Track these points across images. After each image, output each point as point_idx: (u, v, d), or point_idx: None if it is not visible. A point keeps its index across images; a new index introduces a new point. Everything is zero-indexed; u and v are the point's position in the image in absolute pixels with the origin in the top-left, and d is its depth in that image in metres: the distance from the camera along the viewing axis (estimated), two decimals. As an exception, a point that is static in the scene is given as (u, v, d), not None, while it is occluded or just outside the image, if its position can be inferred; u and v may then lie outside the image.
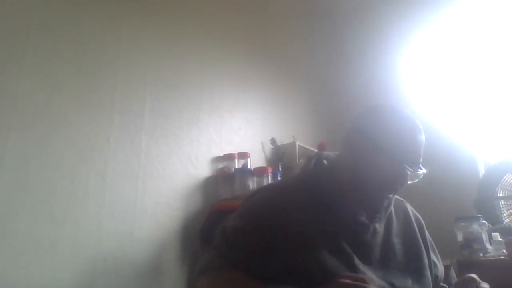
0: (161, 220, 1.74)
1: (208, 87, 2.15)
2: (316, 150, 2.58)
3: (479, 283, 0.80)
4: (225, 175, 2.04)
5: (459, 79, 2.83)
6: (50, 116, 1.43)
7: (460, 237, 1.94)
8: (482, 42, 2.79)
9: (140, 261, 1.62)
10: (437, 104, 2.83)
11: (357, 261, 0.86)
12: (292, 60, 2.99)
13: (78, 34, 1.58)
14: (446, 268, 1.09)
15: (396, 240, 0.96)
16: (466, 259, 1.84)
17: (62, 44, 1.52)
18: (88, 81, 1.58)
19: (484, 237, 1.88)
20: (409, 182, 0.89)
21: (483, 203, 2.21)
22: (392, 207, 0.99)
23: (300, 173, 0.99)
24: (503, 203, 2.19)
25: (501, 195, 2.21)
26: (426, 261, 0.97)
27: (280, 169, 2.32)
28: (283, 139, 2.55)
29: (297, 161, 2.45)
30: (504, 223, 2.11)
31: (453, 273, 1.15)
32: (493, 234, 1.90)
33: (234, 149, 2.16)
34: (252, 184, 2.02)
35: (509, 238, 1.83)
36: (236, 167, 2.08)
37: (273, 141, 2.43)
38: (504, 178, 2.22)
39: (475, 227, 1.90)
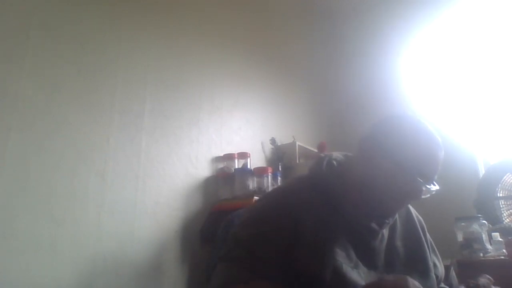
0: (161, 220, 1.74)
1: (208, 87, 2.15)
2: (316, 150, 2.59)
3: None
4: (225, 175, 2.04)
5: (459, 79, 2.83)
6: (50, 116, 1.43)
7: (460, 237, 1.94)
8: (482, 42, 2.79)
9: (140, 261, 1.62)
10: (437, 104, 2.83)
11: (361, 267, 0.86)
12: (292, 60, 2.99)
13: (78, 34, 1.58)
14: (446, 268, 1.08)
15: (400, 243, 0.96)
16: (466, 259, 1.84)
17: (62, 44, 1.52)
18: (88, 81, 1.58)
19: (484, 237, 1.88)
20: (422, 197, 0.87)
21: (483, 203, 2.21)
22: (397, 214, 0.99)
23: (311, 175, 0.96)
24: (503, 203, 2.19)
25: (501, 195, 2.21)
26: (430, 262, 0.97)
27: (280, 169, 2.32)
28: (283, 139, 2.55)
29: (297, 161, 2.45)
30: (504, 223, 2.11)
31: (453, 273, 1.15)
32: (493, 234, 1.90)
33: (234, 149, 2.16)
34: (252, 184, 2.02)
35: (509, 238, 1.83)
36: (236, 167, 2.08)
37: (273, 141, 2.43)
38: (504, 178, 2.22)
39: (475, 227, 1.91)
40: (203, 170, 2.01)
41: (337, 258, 0.82)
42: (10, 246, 1.25)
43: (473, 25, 2.82)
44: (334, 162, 0.97)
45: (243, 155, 2.13)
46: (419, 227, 1.02)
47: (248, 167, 2.10)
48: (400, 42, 3.12)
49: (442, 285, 1.03)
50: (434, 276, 0.95)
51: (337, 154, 1.01)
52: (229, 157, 2.11)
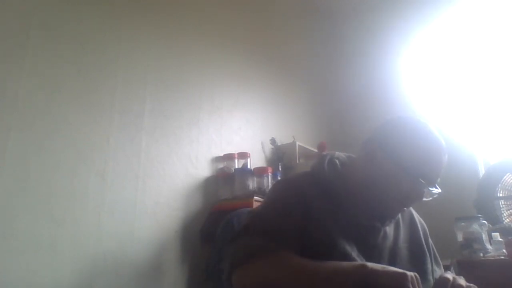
0: (161, 220, 1.74)
1: (208, 87, 2.15)
2: (316, 150, 2.59)
3: (454, 281, 0.78)
4: (225, 175, 2.04)
5: (459, 79, 2.83)
6: (50, 116, 1.43)
7: (460, 237, 1.94)
8: (482, 42, 2.79)
9: (140, 261, 1.62)
10: (437, 104, 2.83)
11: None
12: (292, 60, 2.99)
13: (78, 34, 1.58)
14: (446, 268, 1.09)
15: (403, 245, 0.96)
16: (466, 259, 1.84)
17: (62, 44, 1.52)
18: (88, 81, 1.58)
19: (484, 237, 1.88)
20: (424, 199, 0.88)
21: (483, 203, 2.21)
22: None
23: (313, 172, 0.97)
24: (503, 203, 2.19)
25: (501, 195, 2.20)
26: (429, 266, 0.97)
27: (280, 169, 2.32)
28: (283, 139, 2.55)
29: (297, 161, 2.45)
30: (504, 223, 2.11)
31: (453, 273, 1.14)
32: (493, 234, 1.90)
33: (234, 149, 2.16)
34: (252, 184, 2.02)
35: (509, 238, 1.83)
36: (236, 167, 2.08)
37: (273, 141, 2.43)
38: (504, 178, 2.21)
39: (475, 227, 1.90)
40: (203, 170, 2.01)
41: (341, 244, 0.84)
42: (10, 246, 1.25)
43: (473, 25, 2.82)
44: (337, 161, 0.98)
45: (243, 155, 2.13)
46: (421, 231, 1.03)
47: (248, 167, 2.10)
48: (400, 42, 3.12)
49: None
50: (431, 280, 0.95)
51: (339, 154, 1.02)
52: (229, 157, 2.11)
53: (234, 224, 1.37)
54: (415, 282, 0.68)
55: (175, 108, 1.93)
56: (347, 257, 0.83)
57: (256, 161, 2.25)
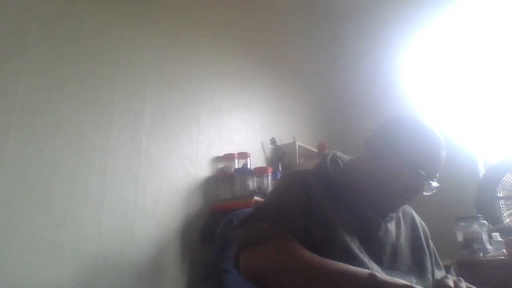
0: (161, 220, 1.74)
1: (208, 87, 2.15)
2: (316, 150, 2.59)
3: (455, 285, 0.79)
4: (225, 175, 2.04)
5: (459, 79, 2.83)
6: (50, 115, 1.43)
7: (460, 237, 1.94)
8: (482, 42, 2.79)
9: (140, 261, 1.62)
10: (437, 104, 2.83)
11: (364, 254, 0.87)
12: (292, 60, 2.99)
13: (78, 34, 1.58)
14: (446, 268, 1.09)
15: (404, 243, 0.98)
16: (466, 259, 1.84)
17: (62, 44, 1.52)
18: (88, 81, 1.58)
19: (484, 237, 1.88)
20: (424, 193, 0.91)
21: (483, 203, 2.21)
22: (400, 211, 1.02)
23: (316, 169, 1.00)
24: (503, 203, 2.19)
25: (501, 195, 2.20)
26: (429, 265, 0.98)
27: (280, 169, 2.32)
28: (283, 139, 2.55)
29: (297, 161, 2.45)
30: (504, 223, 2.11)
31: (453, 273, 1.15)
32: (493, 234, 1.90)
33: (234, 149, 2.16)
34: (252, 184, 2.02)
35: (509, 238, 1.83)
36: (236, 167, 2.08)
37: (273, 141, 2.43)
38: (504, 178, 2.21)
39: (475, 227, 1.90)
40: (203, 170, 2.01)
41: (343, 235, 0.85)
42: (10, 246, 1.25)
43: (473, 25, 2.82)
44: (339, 161, 1.01)
45: (243, 155, 2.13)
46: (421, 233, 1.05)
47: (248, 167, 2.10)
48: (400, 42, 3.12)
49: None
50: (431, 279, 0.96)
51: (341, 154, 1.05)
52: (229, 157, 2.11)
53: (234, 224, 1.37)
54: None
55: (175, 108, 1.93)
56: (347, 249, 0.83)
57: (256, 161, 2.25)
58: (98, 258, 1.48)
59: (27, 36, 1.41)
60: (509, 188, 2.19)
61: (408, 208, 1.09)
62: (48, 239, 1.34)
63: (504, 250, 1.81)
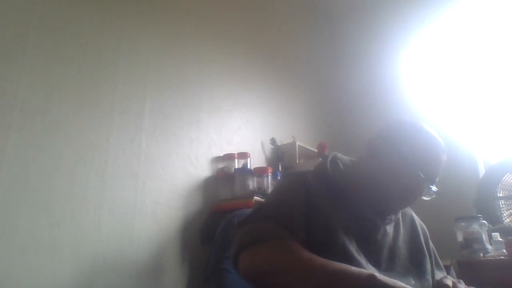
0: (161, 220, 1.74)
1: (208, 87, 2.15)
2: (316, 150, 2.59)
3: (454, 285, 0.78)
4: (225, 175, 2.04)
5: (459, 79, 2.83)
6: (50, 115, 1.43)
7: (460, 237, 1.94)
8: (483, 42, 2.79)
9: (140, 261, 1.62)
10: (437, 104, 2.83)
11: (362, 257, 0.87)
12: (292, 60, 2.99)
13: (78, 34, 1.58)
14: (446, 268, 1.09)
15: (402, 245, 0.98)
16: (466, 259, 1.84)
17: (62, 44, 1.52)
18: (88, 81, 1.58)
19: (484, 237, 1.88)
20: (424, 198, 0.91)
21: (483, 203, 2.21)
22: (399, 213, 1.02)
23: (316, 170, 1.01)
24: (503, 203, 2.19)
25: (501, 195, 2.20)
26: (428, 266, 0.98)
27: (280, 169, 2.32)
28: (283, 139, 2.55)
29: (297, 161, 2.45)
30: (504, 223, 2.11)
31: (453, 273, 1.15)
32: (493, 234, 1.90)
33: (234, 149, 2.16)
34: (252, 184, 2.02)
35: (509, 238, 1.83)
36: (236, 167, 2.08)
37: (273, 141, 2.43)
38: (504, 178, 2.21)
39: (475, 227, 1.90)
40: (203, 170, 2.01)
41: (341, 237, 0.85)
42: (10, 246, 1.25)
43: (473, 25, 2.82)
44: (339, 162, 1.01)
45: (243, 155, 2.13)
46: (421, 234, 1.05)
47: (248, 167, 2.10)
48: (400, 42, 3.12)
49: None
50: (430, 280, 0.96)
51: (342, 156, 1.05)
52: (229, 157, 2.11)
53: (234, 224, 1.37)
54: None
55: (175, 108, 1.93)
56: (346, 251, 0.83)
57: (256, 161, 2.25)
58: (98, 258, 1.48)
59: (27, 36, 1.41)
60: (509, 188, 2.19)
61: (407, 210, 1.09)
62: (48, 239, 1.34)
63: (504, 250, 1.81)
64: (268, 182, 2.05)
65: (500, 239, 1.86)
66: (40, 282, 1.30)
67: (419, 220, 1.10)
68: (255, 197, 1.88)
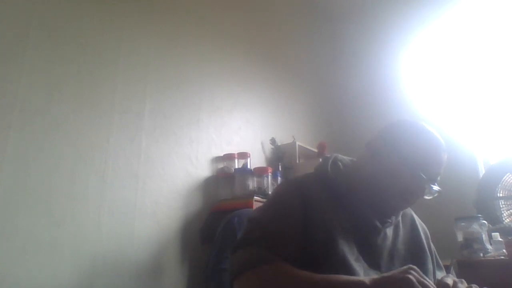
0: (161, 220, 1.74)
1: (208, 87, 2.15)
2: (316, 150, 2.59)
3: (455, 284, 0.78)
4: (225, 175, 2.04)
5: (459, 79, 2.83)
6: (50, 115, 1.43)
7: (460, 237, 1.94)
8: (483, 42, 2.79)
9: (140, 261, 1.62)
10: (437, 104, 2.83)
11: (362, 262, 0.87)
12: (292, 60, 2.99)
13: (78, 34, 1.58)
14: (446, 268, 1.09)
15: (402, 246, 0.98)
16: (466, 259, 1.84)
17: (62, 44, 1.52)
18: (88, 81, 1.58)
19: (484, 237, 1.88)
20: (425, 197, 0.91)
21: (483, 203, 2.21)
22: (400, 215, 1.01)
23: (316, 172, 1.00)
24: (503, 203, 2.19)
25: (501, 195, 2.20)
26: (430, 266, 0.98)
27: (280, 169, 2.32)
28: (283, 139, 2.55)
29: (297, 161, 2.45)
30: (504, 223, 2.10)
31: (453, 273, 1.15)
32: (493, 234, 1.90)
33: (234, 149, 2.16)
34: (252, 184, 2.02)
35: (509, 238, 1.83)
36: (236, 167, 2.08)
37: (273, 141, 2.43)
38: (504, 178, 2.21)
39: (475, 227, 1.90)
40: (203, 170, 2.01)
41: (341, 248, 0.84)
42: (10, 246, 1.25)
43: (473, 25, 2.82)
44: (340, 163, 1.00)
45: (243, 155, 2.13)
46: (422, 235, 1.05)
47: (248, 167, 2.10)
48: (400, 42, 3.12)
49: None
50: (432, 279, 0.95)
51: (342, 157, 1.05)
52: (229, 157, 2.11)
53: (234, 224, 1.37)
54: (415, 273, 0.69)
55: (175, 108, 1.93)
56: (345, 263, 0.83)
57: (256, 161, 2.25)
58: (98, 258, 1.48)
59: (27, 36, 1.41)
60: (509, 188, 2.19)
61: (407, 210, 1.08)
62: (48, 239, 1.34)
63: (504, 250, 1.81)
64: (268, 182, 2.06)
65: (500, 239, 1.86)
66: (40, 282, 1.30)
67: (419, 220, 1.10)
68: (255, 197, 1.88)
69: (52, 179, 1.39)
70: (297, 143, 2.51)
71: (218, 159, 2.10)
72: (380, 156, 0.93)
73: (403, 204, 0.94)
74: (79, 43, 1.58)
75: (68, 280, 1.37)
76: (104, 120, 1.60)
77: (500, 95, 2.71)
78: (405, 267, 0.71)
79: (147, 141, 1.76)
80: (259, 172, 2.07)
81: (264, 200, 1.78)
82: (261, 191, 1.99)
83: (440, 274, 1.01)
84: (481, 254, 1.84)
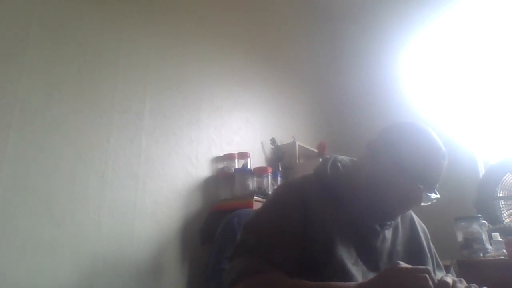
0: (161, 220, 1.74)
1: (208, 87, 2.15)
2: (316, 150, 2.59)
3: (454, 284, 0.78)
4: (225, 175, 2.04)
5: (459, 79, 2.83)
6: (50, 115, 1.43)
7: (460, 237, 1.94)
8: (483, 42, 2.79)
9: (140, 261, 1.62)
10: (437, 104, 2.83)
11: (360, 265, 0.87)
12: (292, 60, 2.99)
13: (78, 34, 1.58)
14: (446, 268, 1.09)
15: (401, 248, 0.97)
16: (466, 259, 1.84)
17: (62, 44, 1.52)
18: (88, 81, 1.58)
19: (484, 237, 1.88)
20: (422, 204, 0.89)
21: (483, 203, 2.21)
22: (399, 218, 1.01)
23: (315, 174, 1.00)
24: (503, 203, 2.19)
25: (501, 195, 2.20)
26: (430, 266, 0.98)
27: (280, 169, 2.32)
28: (283, 139, 2.55)
29: (297, 161, 2.45)
30: (504, 223, 2.10)
31: (453, 273, 1.14)
32: (493, 234, 1.90)
33: (234, 149, 2.16)
34: (252, 184, 2.02)
35: (509, 238, 1.83)
36: (236, 167, 2.08)
37: (273, 141, 2.43)
38: (504, 178, 2.21)
39: (475, 227, 1.90)
40: (203, 170, 2.01)
41: (339, 252, 0.84)
42: (10, 246, 1.25)
43: (473, 25, 2.82)
44: (339, 164, 1.00)
45: (243, 155, 2.13)
46: (421, 235, 1.04)
47: (248, 167, 2.10)
48: (400, 42, 3.12)
49: None
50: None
51: (342, 157, 1.04)
52: (229, 157, 2.11)
53: (234, 224, 1.37)
54: (404, 268, 0.68)
55: (175, 108, 1.93)
56: (344, 269, 0.83)
57: (256, 161, 2.25)
58: (98, 258, 1.48)
59: (27, 36, 1.41)
60: (509, 188, 2.19)
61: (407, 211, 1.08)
62: (48, 239, 1.34)
63: (504, 250, 1.81)
64: (268, 182, 2.06)
65: (500, 239, 1.86)
66: (40, 282, 1.30)
67: (419, 220, 1.09)
68: (255, 197, 1.89)
69: (52, 179, 1.39)
70: (297, 143, 2.51)
71: (218, 159, 2.10)
72: (379, 157, 0.92)
73: (400, 209, 0.93)
74: (79, 43, 1.58)
75: (68, 280, 1.37)
76: (104, 120, 1.60)
77: (500, 95, 2.70)
78: (386, 268, 0.70)
79: (147, 141, 1.76)
80: (259, 172, 2.07)
81: (264, 200, 1.78)
82: (261, 191, 1.99)
83: (440, 274, 1.01)
84: (481, 254, 1.84)
